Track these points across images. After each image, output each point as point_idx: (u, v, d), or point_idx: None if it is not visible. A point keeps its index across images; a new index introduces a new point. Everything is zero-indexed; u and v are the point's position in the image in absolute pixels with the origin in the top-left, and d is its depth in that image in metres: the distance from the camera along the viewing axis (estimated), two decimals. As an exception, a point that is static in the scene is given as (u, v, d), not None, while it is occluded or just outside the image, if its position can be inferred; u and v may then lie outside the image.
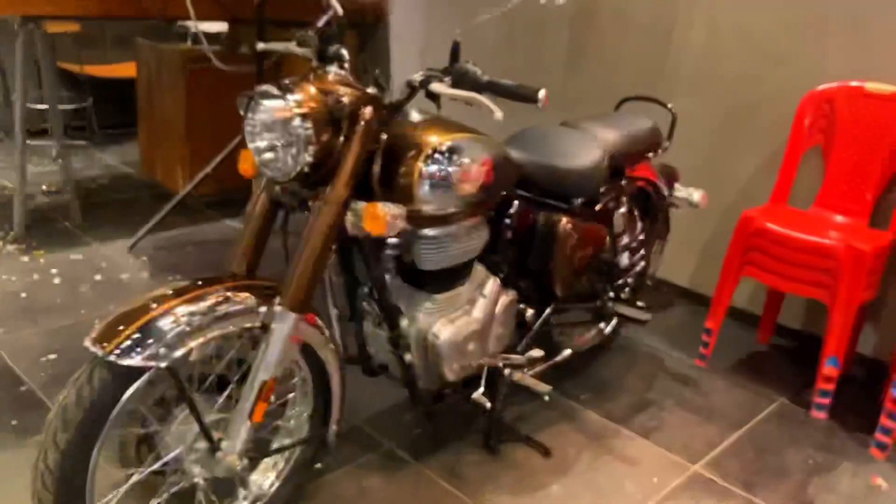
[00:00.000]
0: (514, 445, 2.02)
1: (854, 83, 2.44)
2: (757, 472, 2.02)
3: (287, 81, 1.39)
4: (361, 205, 1.39)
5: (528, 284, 1.90)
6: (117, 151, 4.29)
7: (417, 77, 1.42)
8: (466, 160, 1.52)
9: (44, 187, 3.52)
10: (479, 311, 1.73)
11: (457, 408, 2.15)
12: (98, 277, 2.76)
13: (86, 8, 2.88)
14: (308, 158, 1.34)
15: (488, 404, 1.75)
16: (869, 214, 2.45)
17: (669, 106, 2.30)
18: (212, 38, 3.74)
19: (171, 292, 1.31)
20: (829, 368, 2.27)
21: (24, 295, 2.57)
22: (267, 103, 1.34)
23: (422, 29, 3.82)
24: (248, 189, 3.40)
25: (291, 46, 1.58)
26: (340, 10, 1.57)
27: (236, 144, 3.14)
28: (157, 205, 3.45)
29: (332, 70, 1.43)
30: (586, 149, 1.89)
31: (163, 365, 1.24)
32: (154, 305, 1.28)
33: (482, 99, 1.33)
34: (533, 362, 1.85)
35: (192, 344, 1.27)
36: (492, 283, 1.76)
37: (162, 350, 1.24)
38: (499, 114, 1.29)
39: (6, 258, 2.82)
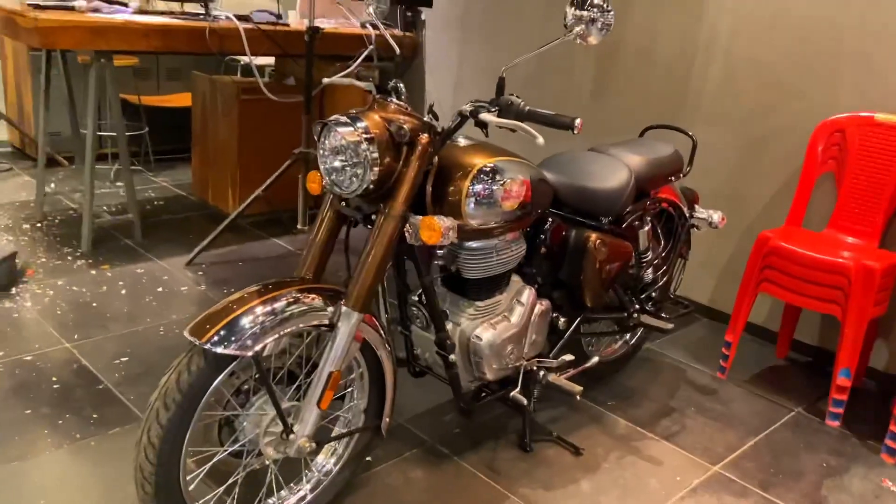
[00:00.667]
0: (546, 444, 2.20)
1: (864, 114, 2.62)
2: (773, 473, 2.17)
3: (355, 111, 1.61)
4: (418, 218, 1.60)
5: (561, 295, 2.09)
6: (169, 175, 4.56)
7: (468, 108, 1.63)
8: (508, 180, 1.73)
9: (104, 208, 3.78)
10: (516, 317, 1.92)
11: (492, 409, 2.33)
12: (160, 289, 2.99)
13: (153, 44, 3.15)
14: (372, 177, 1.55)
15: (525, 401, 1.93)
16: (879, 236, 2.61)
17: (690, 133, 2.49)
18: (260, 70, 4.02)
19: (252, 294, 1.52)
20: (842, 379, 2.43)
21: (94, 304, 2.80)
22: (339, 129, 1.56)
23: (455, 64, 4.06)
24: (292, 211, 3.61)
25: (354, 81, 1.80)
26: (398, 49, 1.79)
27: (285, 168, 3.37)
28: (209, 224, 3.71)
29: (393, 101, 1.64)
30: (614, 172, 2.08)
31: (249, 354, 1.45)
32: (239, 305, 1.49)
33: (525, 126, 1.53)
34: (564, 366, 2.03)
35: (273, 337, 1.47)
36: (528, 293, 1.95)
37: (248, 341, 1.44)
38: (540, 139, 1.49)
39: (77, 272, 3.06)
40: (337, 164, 1.59)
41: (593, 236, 2.02)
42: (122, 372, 2.38)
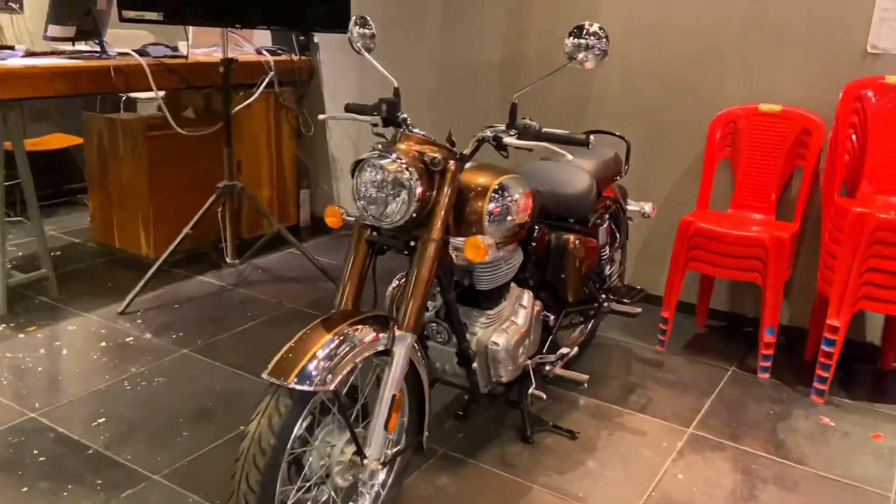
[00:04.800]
0: (543, 434, 2.38)
1: (750, 105, 3.02)
2: (735, 426, 2.48)
3: (387, 145, 1.69)
4: (461, 239, 1.72)
5: (547, 294, 2.28)
6: (54, 223, 4.28)
7: (488, 133, 1.77)
8: (518, 195, 1.88)
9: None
10: (521, 319, 2.08)
11: (486, 410, 2.48)
12: (104, 344, 2.85)
13: (58, 88, 2.99)
14: (416, 207, 1.65)
15: (544, 396, 2.10)
16: (774, 210, 3.03)
17: (625, 138, 2.77)
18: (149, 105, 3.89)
19: (317, 331, 1.57)
20: (768, 337, 2.80)
21: (40, 369, 2.64)
22: (382, 164, 1.64)
23: (355, 84, 4.14)
24: (215, 244, 3.49)
25: (356, 116, 1.88)
26: (396, 83, 1.89)
27: (212, 203, 3.32)
28: (123, 270, 3.57)
29: (416, 131, 1.75)
30: (578, 177, 2.30)
31: (331, 388, 1.50)
32: (310, 343, 1.53)
33: (553, 147, 1.69)
34: (563, 358, 2.22)
35: (347, 369, 1.54)
36: (527, 296, 2.12)
37: (328, 376, 1.50)
38: (569, 157, 1.66)
39: (3, 339, 2.85)
40: (378, 197, 1.67)
41: (572, 238, 2.22)
42: (105, 433, 2.28)
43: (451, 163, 1.72)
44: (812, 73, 2.93)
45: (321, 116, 2.01)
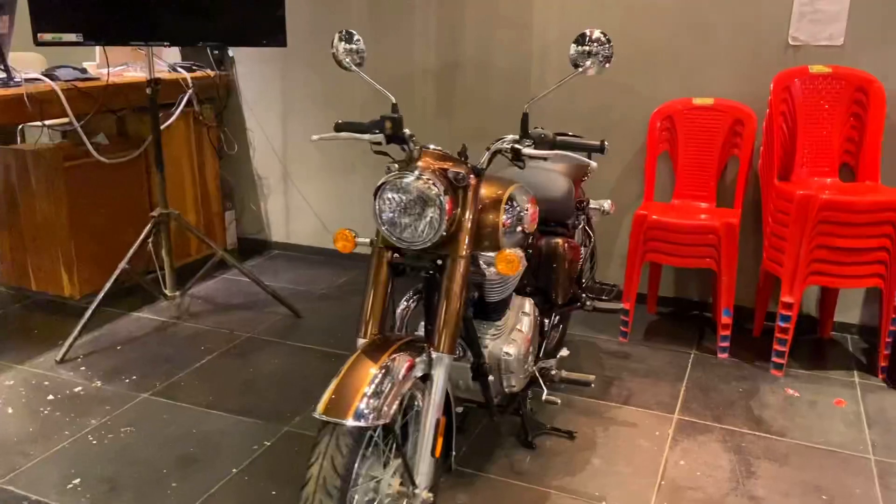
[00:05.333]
0: (542, 437, 2.39)
1: (684, 99, 3.16)
2: (714, 407, 2.59)
3: (405, 163, 1.64)
4: (491, 254, 1.69)
5: (538, 299, 2.29)
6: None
7: (507, 145, 1.74)
8: (527, 206, 1.88)
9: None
10: (526, 327, 2.08)
11: (478, 421, 2.46)
12: (51, 397, 2.62)
13: (-30, 121, 2.72)
14: (445, 224, 1.61)
15: (558, 401, 2.11)
16: (715, 198, 3.19)
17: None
18: (52, 134, 3.60)
19: (362, 364, 1.50)
20: (725, 318, 2.95)
21: (-14, 433, 2.39)
22: (411, 183, 1.59)
23: (278, 97, 4.00)
24: (148, 276, 3.27)
25: (360, 136, 1.81)
26: (393, 99, 1.84)
27: (148, 233, 3.11)
28: (45, 314, 3.31)
29: (433, 148, 1.70)
30: (559, 182, 2.33)
31: (387, 422, 1.44)
32: (359, 378, 1.46)
33: (576, 155, 1.70)
34: (562, 361, 2.24)
35: (398, 400, 1.48)
36: (529, 303, 2.12)
37: (384, 409, 1.44)
38: (594, 164, 1.67)
39: (-69, 403, 2.56)
40: (406, 219, 1.61)
41: (560, 241, 2.25)
42: (86, 495, 2.09)
43: (472, 178, 1.69)
44: (740, 67, 3.11)
45: (314, 137, 1.92)
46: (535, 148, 1.73)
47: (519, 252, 1.70)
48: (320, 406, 1.43)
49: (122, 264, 3.06)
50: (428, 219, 1.60)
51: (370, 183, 3.91)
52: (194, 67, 3.84)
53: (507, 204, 1.84)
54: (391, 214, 1.64)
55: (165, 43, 2.95)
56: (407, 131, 1.78)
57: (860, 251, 2.69)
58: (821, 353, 3.04)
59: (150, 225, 3.13)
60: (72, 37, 2.78)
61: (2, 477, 2.16)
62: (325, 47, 3.76)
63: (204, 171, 3.95)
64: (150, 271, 3.40)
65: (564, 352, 2.30)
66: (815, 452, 2.33)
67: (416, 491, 1.59)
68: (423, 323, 1.90)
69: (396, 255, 1.72)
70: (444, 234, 1.63)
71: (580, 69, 1.75)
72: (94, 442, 2.35)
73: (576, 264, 2.36)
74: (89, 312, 2.97)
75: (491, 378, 1.97)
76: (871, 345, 3.09)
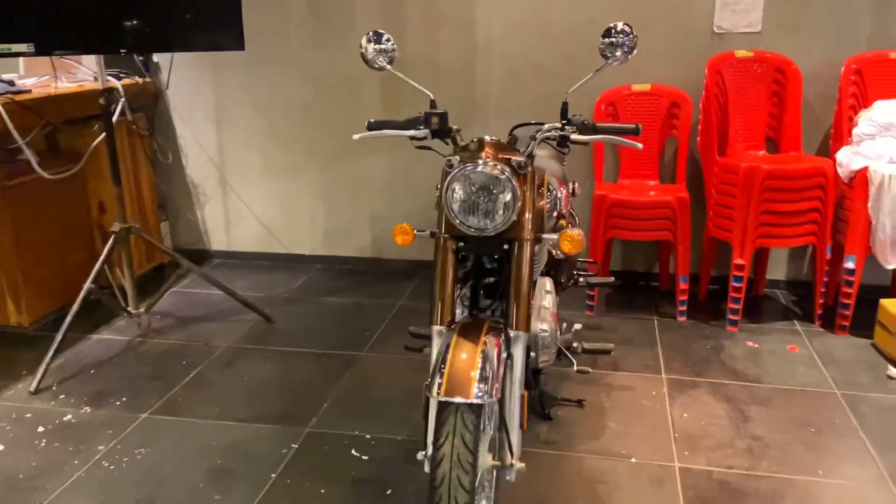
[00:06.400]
0: (555, 408, 2.54)
1: (624, 86, 3.41)
2: (692, 364, 2.85)
3: (469, 155, 1.72)
4: (554, 235, 1.81)
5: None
6: None
7: (554, 132, 1.86)
8: (560, 190, 2.01)
9: None
10: (550, 303, 2.22)
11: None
12: (41, 429, 2.47)
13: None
14: (517, 209, 1.71)
15: (589, 370, 2.26)
16: (658, 176, 3.47)
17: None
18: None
19: (466, 348, 1.58)
20: (683, 285, 3.22)
21: (-14, 474, 2.24)
22: (486, 170, 1.67)
23: (212, 102, 3.90)
24: (107, 293, 3.12)
25: (399, 132, 1.87)
26: (432, 95, 1.92)
27: (111, 249, 2.98)
28: None
29: (488, 138, 1.79)
30: (555, 167, 2.47)
31: (499, 397, 1.54)
32: (469, 360, 1.54)
33: (621, 139, 1.84)
34: (577, 334, 2.40)
35: (499, 379, 1.58)
36: (549, 282, 2.26)
37: (496, 386, 1.53)
38: (639, 145, 1.83)
39: None
40: (482, 204, 1.69)
41: (564, 223, 2.40)
42: (128, 521, 2.03)
43: (531, 165, 1.80)
44: (672, 55, 3.39)
45: (356, 136, 1.96)
46: (579, 134, 1.87)
47: (580, 231, 1.83)
48: (441, 390, 1.50)
49: (88, 284, 2.91)
50: (503, 204, 1.69)
51: (318, 183, 3.91)
52: (122, 75, 3.68)
53: (549, 188, 1.96)
54: (465, 203, 1.71)
55: (122, 51, 2.83)
56: (454, 126, 1.86)
57: (797, 213, 3.04)
58: (762, 308, 3.39)
59: (111, 240, 2.99)
60: (22, 47, 2.61)
61: (25, 516, 2.04)
62: (260, 52, 3.70)
63: (139, 181, 3.79)
64: (104, 287, 3.24)
65: (578, 325, 2.46)
66: (791, 393, 2.63)
67: (513, 461, 1.68)
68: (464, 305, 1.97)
69: (462, 243, 1.79)
70: (514, 217, 1.73)
71: (610, 59, 1.90)
72: (112, 467, 2.26)
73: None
74: (60, 336, 2.81)
75: (532, 355, 2.09)
76: (800, 296, 3.49)
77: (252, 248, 4.11)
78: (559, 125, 1.88)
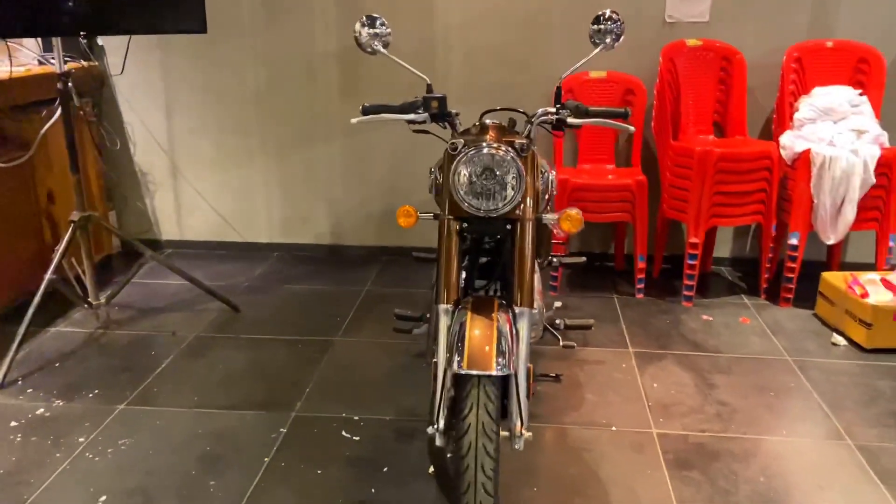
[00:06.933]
0: (536, 383, 2.62)
1: (581, 73, 3.53)
2: (656, 338, 3.00)
3: (472, 138, 1.77)
4: (554, 215, 1.87)
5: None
6: None
7: (549, 116, 1.93)
8: (551, 174, 2.09)
9: None
10: (537, 283, 2.30)
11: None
12: (14, 423, 2.39)
13: None
14: (523, 189, 1.77)
15: (574, 344, 2.35)
16: (614, 160, 3.60)
17: (523, 111, 3.06)
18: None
19: (481, 323, 1.63)
20: (641, 263, 3.37)
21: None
22: (493, 152, 1.72)
23: (160, 88, 3.81)
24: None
25: (398, 116, 1.90)
26: (428, 80, 1.96)
27: (71, 238, 2.89)
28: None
29: (490, 122, 1.85)
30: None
31: (516, 369, 1.60)
32: (486, 336, 1.60)
33: (615, 122, 1.93)
34: (558, 311, 2.49)
35: (514, 351, 1.64)
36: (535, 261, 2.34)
37: (513, 359, 1.60)
38: (632, 128, 1.91)
39: None
40: (488, 185, 1.75)
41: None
42: (124, 510, 2.00)
43: (532, 147, 1.86)
44: (626, 43, 3.47)
45: (353, 120, 1.98)
46: (573, 118, 1.94)
47: (578, 210, 1.91)
48: (464, 363, 1.55)
49: (49, 275, 2.82)
50: (510, 185, 1.75)
51: (274, 171, 3.88)
52: (67, 59, 3.53)
53: (542, 171, 2.03)
54: (472, 184, 1.76)
55: (82, 34, 2.74)
56: (453, 110, 1.90)
57: (746, 194, 3.22)
58: (710, 284, 3.58)
59: (70, 230, 2.90)
60: (-24, 28, 2.50)
61: (13, 510, 1.99)
62: (211, 37, 3.61)
63: (87, 169, 3.66)
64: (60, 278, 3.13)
65: (558, 303, 2.55)
66: (747, 361, 2.80)
67: (522, 431, 1.75)
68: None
69: (465, 223, 1.84)
70: (519, 198, 1.79)
71: (600, 45, 1.99)
72: (97, 459, 2.21)
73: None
74: (23, 328, 2.72)
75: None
76: (744, 272, 3.70)
77: (206, 238, 4.04)
78: (554, 109, 1.95)
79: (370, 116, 1.94)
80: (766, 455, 2.23)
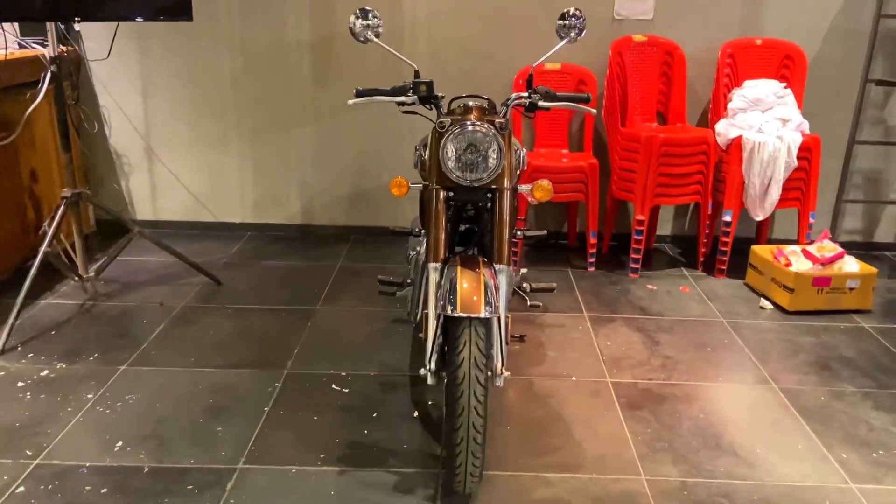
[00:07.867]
0: (502, 343, 2.93)
1: (538, 64, 3.82)
2: (608, 304, 3.33)
3: (458, 118, 2.04)
4: (528, 186, 2.16)
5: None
6: None
7: (523, 101, 2.21)
8: (523, 150, 2.38)
9: None
10: (507, 250, 2.59)
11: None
12: (21, 384, 2.57)
13: None
14: (503, 162, 2.05)
15: (540, 304, 2.64)
16: (568, 145, 3.92)
17: (488, 98, 3.34)
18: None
19: (468, 275, 1.90)
20: (593, 240, 3.71)
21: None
22: (477, 128, 1.99)
23: (137, 73, 3.96)
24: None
25: (389, 98, 2.16)
26: (416, 66, 2.22)
27: (63, 215, 3.05)
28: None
29: (473, 104, 2.12)
30: (498, 133, 2.84)
31: (500, 314, 1.89)
32: (474, 284, 1.87)
33: (579, 105, 2.22)
34: (524, 276, 2.79)
35: (500, 298, 1.93)
36: (503, 231, 2.63)
37: (499, 304, 1.88)
38: (594, 111, 2.21)
39: None
40: (473, 158, 2.02)
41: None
42: (140, 452, 2.20)
43: (509, 125, 2.15)
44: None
45: (350, 102, 2.22)
46: (544, 101, 2.23)
47: (549, 181, 2.20)
48: (458, 308, 1.83)
49: (44, 248, 2.97)
50: (493, 157, 2.03)
51: (247, 153, 4.07)
52: (45, 43, 3.66)
53: (516, 147, 2.32)
54: (461, 157, 2.03)
55: (76, 19, 2.90)
56: (439, 94, 2.17)
57: (686, 175, 3.58)
58: (653, 259, 3.94)
59: (62, 206, 3.06)
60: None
61: (36, 456, 2.18)
62: (187, 28, 3.80)
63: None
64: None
65: (524, 270, 2.85)
66: (688, 323, 3.16)
67: (502, 370, 2.04)
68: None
69: (452, 192, 2.11)
70: (500, 170, 2.07)
71: (565, 38, 2.28)
72: (108, 411, 2.41)
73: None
74: (21, 299, 2.87)
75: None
76: (683, 248, 4.07)
77: (180, 218, 4.20)
78: (527, 94, 2.23)
79: (364, 98, 2.19)
80: (704, 398, 2.57)
